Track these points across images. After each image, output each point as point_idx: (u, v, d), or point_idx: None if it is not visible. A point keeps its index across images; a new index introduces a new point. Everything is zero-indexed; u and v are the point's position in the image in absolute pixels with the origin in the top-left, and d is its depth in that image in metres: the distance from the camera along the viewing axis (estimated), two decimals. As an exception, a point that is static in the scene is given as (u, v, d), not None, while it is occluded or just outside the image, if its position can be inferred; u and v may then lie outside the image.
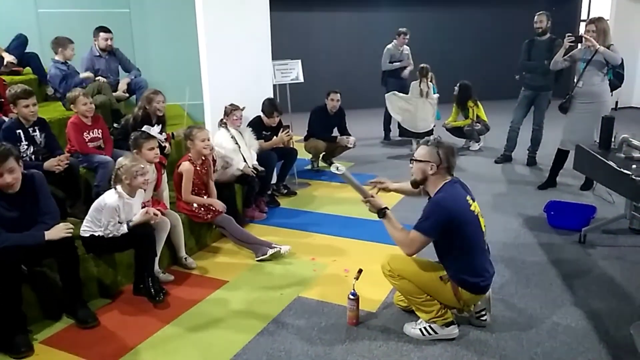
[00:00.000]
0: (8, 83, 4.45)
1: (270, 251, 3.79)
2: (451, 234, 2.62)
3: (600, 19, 4.73)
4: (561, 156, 5.21)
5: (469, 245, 2.66)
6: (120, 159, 3.28)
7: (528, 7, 8.27)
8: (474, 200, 2.74)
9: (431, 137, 2.82)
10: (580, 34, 4.83)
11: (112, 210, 3.16)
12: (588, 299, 3.21)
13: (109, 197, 3.19)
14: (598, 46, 4.58)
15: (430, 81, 7.26)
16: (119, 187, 3.22)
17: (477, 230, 2.69)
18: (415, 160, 2.74)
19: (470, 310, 2.88)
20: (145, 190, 3.41)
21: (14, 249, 2.72)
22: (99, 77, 5.12)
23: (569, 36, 4.93)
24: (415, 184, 2.79)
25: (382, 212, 2.80)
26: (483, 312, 2.89)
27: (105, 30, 5.27)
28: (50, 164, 3.60)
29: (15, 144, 3.47)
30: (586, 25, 4.78)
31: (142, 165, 3.24)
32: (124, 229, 3.19)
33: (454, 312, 2.88)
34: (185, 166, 3.95)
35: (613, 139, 3.97)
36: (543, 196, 5.04)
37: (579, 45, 4.87)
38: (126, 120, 4.45)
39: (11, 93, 3.61)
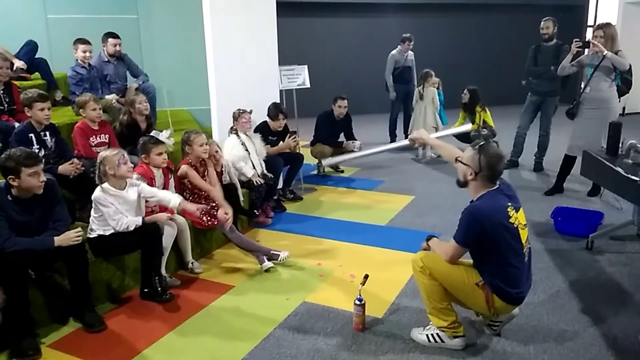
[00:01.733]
0: (22, 89, 4.50)
1: (266, 265, 3.75)
2: (484, 243, 2.57)
3: (608, 25, 4.72)
4: (568, 162, 5.18)
5: (501, 255, 2.57)
6: (100, 153, 3.31)
7: (534, 13, 8.27)
8: (517, 211, 2.62)
9: (481, 140, 2.65)
10: (587, 39, 4.82)
11: (100, 198, 3.19)
12: (595, 305, 3.19)
13: (95, 192, 3.24)
14: (606, 51, 4.57)
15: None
16: (105, 184, 3.24)
17: (512, 242, 2.56)
18: (459, 161, 2.69)
19: (488, 318, 2.83)
20: (132, 178, 3.40)
21: (23, 253, 2.76)
22: (113, 97, 5.12)
23: (576, 41, 4.91)
24: (459, 184, 2.74)
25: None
26: (498, 324, 2.84)
27: (114, 36, 5.30)
28: (65, 168, 3.65)
29: (28, 148, 3.53)
30: (594, 31, 4.76)
31: (123, 154, 3.26)
32: (138, 220, 3.23)
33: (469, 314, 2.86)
34: (183, 169, 3.97)
35: (620, 145, 3.95)
36: (550, 202, 5.02)
37: (587, 50, 4.85)
38: (113, 128, 4.43)
39: (27, 97, 3.66)
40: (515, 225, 2.58)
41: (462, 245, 2.61)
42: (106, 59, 5.32)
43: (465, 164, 2.65)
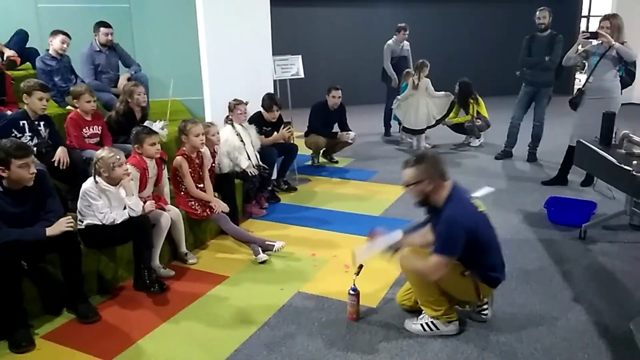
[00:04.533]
0: (15, 80, 4.44)
1: (261, 257, 3.74)
2: (473, 246, 2.60)
3: (614, 16, 4.73)
4: (571, 153, 5.14)
5: (488, 246, 2.66)
6: (97, 152, 3.29)
7: (529, 3, 8.24)
8: (474, 199, 2.74)
9: (416, 152, 2.73)
10: (596, 30, 4.81)
11: (90, 191, 3.18)
12: (588, 294, 3.21)
13: (85, 183, 3.23)
14: (613, 42, 4.57)
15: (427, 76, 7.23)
16: (99, 178, 3.22)
17: (490, 230, 2.71)
18: (408, 185, 2.67)
19: (475, 304, 2.88)
20: (127, 179, 3.35)
21: (15, 244, 2.74)
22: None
23: (583, 32, 4.91)
24: (420, 204, 2.73)
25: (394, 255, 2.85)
26: (485, 307, 2.89)
27: (106, 25, 5.24)
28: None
29: (18, 135, 3.50)
30: (600, 22, 4.75)
31: (119, 157, 3.23)
32: (125, 214, 3.23)
33: (456, 306, 2.89)
34: (177, 161, 3.94)
35: (614, 135, 3.96)
36: (543, 192, 5.04)
37: (594, 41, 4.84)
38: (109, 118, 4.41)
39: (29, 84, 3.64)
40: (484, 212, 2.70)
41: (452, 256, 2.58)
42: (98, 49, 5.25)
43: (417, 183, 2.63)
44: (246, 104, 4.81)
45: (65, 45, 4.88)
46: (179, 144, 4.10)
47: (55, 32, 4.87)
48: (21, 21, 5.52)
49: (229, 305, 3.18)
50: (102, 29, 5.21)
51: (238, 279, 3.51)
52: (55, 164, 3.63)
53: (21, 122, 3.62)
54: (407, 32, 7.57)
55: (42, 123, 3.76)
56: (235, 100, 4.78)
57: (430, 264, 2.59)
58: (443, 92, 6.98)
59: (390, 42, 7.62)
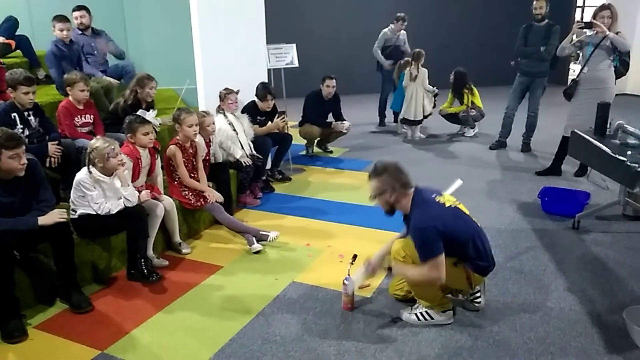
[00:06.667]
0: (6, 66, 4.37)
1: (255, 247, 3.73)
2: (447, 241, 2.63)
3: (611, 5, 4.74)
4: (566, 143, 5.14)
5: (465, 239, 2.67)
6: (91, 142, 3.25)
7: (525, -7, 8.21)
8: (442, 195, 2.78)
9: (377, 163, 2.76)
10: (590, 20, 4.80)
11: (85, 181, 3.15)
12: (581, 284, 3.23)
13: (79, 174, 3.20)
14: (608, 32, 4.56)
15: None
16: (93, 169, 3.19)
17: (464, 221, 2.73)
18: (374, 196, 2.75)
19: (467, 293, 2.89)
20: (122, 169, 3.33)
21: (7, 234, 2.71)
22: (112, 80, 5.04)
23: (578, 22, 4.90)
24: (388, 213, 2.79)
25: (389, 270, 2.85)
26: (478, 295, 2.90)
27: (77, 8, 5.13)
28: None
29: (11, 128, 3.45)
30: (599, 11, 4.75)
31: (113, 147, 3.20)
32: (120, 204, 3.21)
33: (449, 296, 2.90)
34: (171, 150, 3.91)
35: (608, 126, 3.97)
36: (537, 182, 5.05)
37: (588, 31, 4.83)
38: (116, 104, 4.37)
39: (12, 77, 3.52)
40: (454, 206, 2.73)
41: (440, 253, 2.59)
42: (80, 32, 5.17)
43: (380, 194, 2.72)
44: (237, 92, 4.77)
45: (65, 32, 4.75)
46: (173, 133, 4.07)
47: (52, 19, 4.77)
48: (11, 8, 5.44)
49: (223, 295, 3.18)
50: (74, 13, 5.15)
51: (232, 269, 3.51)
52: (47, 165, 3.59)
53: (12, 115, 3.55)
54: (405, 23, 7.52)
55: (31, 112, 3.68)
56: (225, 89, 4.73)
57: (426, 271, 2.62)
58: (432, 88, 6.94)
59: (386, 29, 7.57)
